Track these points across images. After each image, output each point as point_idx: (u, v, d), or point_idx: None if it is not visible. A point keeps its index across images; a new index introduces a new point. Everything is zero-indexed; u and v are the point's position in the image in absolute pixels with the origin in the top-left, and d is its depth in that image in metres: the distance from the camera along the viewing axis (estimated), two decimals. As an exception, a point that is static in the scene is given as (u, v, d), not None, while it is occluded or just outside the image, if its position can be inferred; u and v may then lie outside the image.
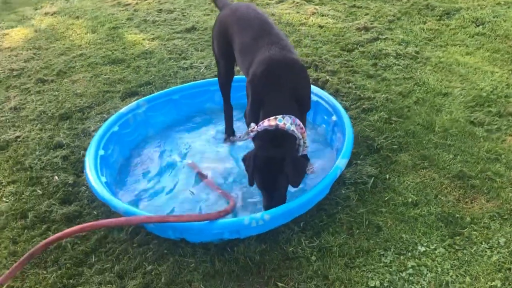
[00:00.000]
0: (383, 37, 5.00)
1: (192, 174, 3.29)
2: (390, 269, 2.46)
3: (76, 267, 2.67)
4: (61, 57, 5.32)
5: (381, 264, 2.49)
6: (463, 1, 5.69)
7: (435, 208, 2.79)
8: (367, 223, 2.74)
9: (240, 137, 2.77)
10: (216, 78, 3.63)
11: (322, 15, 5.71)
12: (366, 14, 5.62)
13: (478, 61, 4.38)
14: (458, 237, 2.59)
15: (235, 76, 3.46)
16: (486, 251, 2.50)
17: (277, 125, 2.62)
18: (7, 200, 3.23)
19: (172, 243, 2.73)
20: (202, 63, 4.81)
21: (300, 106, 2.79)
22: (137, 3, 6.79)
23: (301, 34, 5.24)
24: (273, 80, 2.73)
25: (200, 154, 3.50)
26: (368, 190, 2.98)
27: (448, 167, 3.10)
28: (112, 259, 2.69)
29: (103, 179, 2.97)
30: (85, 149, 3.30)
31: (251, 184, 2.72)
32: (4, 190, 3.35)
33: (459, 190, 2.91)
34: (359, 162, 3.20)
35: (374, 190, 2.98)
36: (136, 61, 5.03)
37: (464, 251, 2.52)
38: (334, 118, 3.33)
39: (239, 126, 3.65)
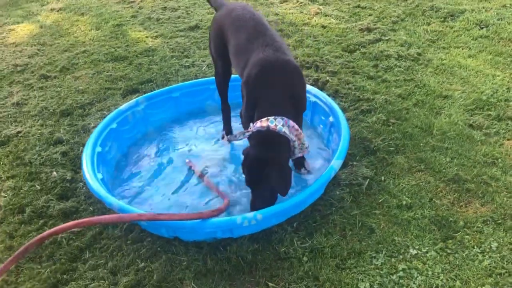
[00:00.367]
0: (386, 38, 4.99)
1: (190, 173, 3.31)
2: (381, 272, 2.46)
3: (70, 263, 2.70)
4: (65, 54, 5.35)
5: (372, 266, 2.50)
6: (468, 3, 5.66)
7: (429, 211, 2.79)
8: (360, 224, 2.74)
9: (236, 136, 2.78)
10: (212, 78, 3.64)
11: (326, 15, 5.70)
12: (370, 15, 5.61)
13: (480, 64, 4.36)
14: (450, 241, 2.59)
15: (233, 75, 3.47)
16: (477, 256, 2.50)
17: (268, 127, 2.63)
18: (6, 195, 3.27)
19: (165, 241, 2.75)
20: (204, 61, 4.83)
21: (295, 107, 2.80)
22: (142, 1, 6.82)
23: (304, 34, 5.24)
24: (267, 81, 2.74)
25: (199, 153, 3.52)
26: (363, 191, 2.98)
27: (444, 170, 3.09)
28: (106, 255, 2.72)
29: (99, 175, 2.99)
30: (84, 146, 3.32)
31: (246, 183, 2.74)
32: (3, 184, 3.39)
33: (454, 194, 2.90)
34: (355, 163, 3.21)
35: (368, 191, 2.98)
36: (138, 59, 5.05)
37: (456, 255, 2.51)
38: (331, 119, 3.33)
39: (239, 125, 3.66)
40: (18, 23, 6.57)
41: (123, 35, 5.72)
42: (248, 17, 3.08)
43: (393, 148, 3.32)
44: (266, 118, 2.65)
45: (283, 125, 2.64)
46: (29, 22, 6.56)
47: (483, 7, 5.49)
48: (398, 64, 4.46)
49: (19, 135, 3.93)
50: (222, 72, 3.38)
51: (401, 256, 2.53)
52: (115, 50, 5.32)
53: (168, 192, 3.17)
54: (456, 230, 2.65)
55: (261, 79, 2.73)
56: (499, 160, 3.14)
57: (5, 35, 6.14)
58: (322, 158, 3.28)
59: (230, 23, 3.12)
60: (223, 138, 3.55)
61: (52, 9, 6.96)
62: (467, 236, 2.60)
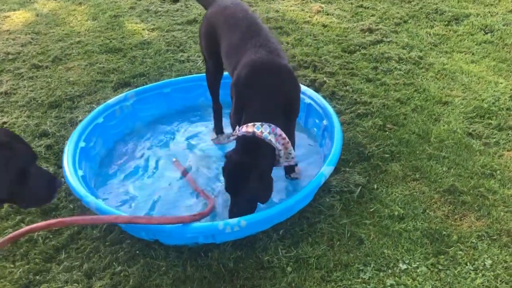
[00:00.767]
0: (387, 40, 4.85)
1: (177, 173, 3.19)
2: (368, 286, 2.35)
3: (44, 263, 2.59)
4: (59, 43, 5.22)
5: (359, 280, 2.38)
6: (473, 7, 5.51)
7: (421, 223, 2.67)
8: (349, 235, 2.63)
9: (220, 139, 2.66)
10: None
11: (327, 14, 5.56)
12: (372, 15, 5.46)
13: (482, 70, 4.22)
14: (442, 256, 2.47)
15: (226, 73, 3.35)
16: (470, 273, 2.38)
17: (254, 133, 2.50)
18: (-15, 188, 3.15)
19: (145, 244, 2.64)
20: (199, 56, 4.69)
21: (286, 114, 2.67)
22: (141, -8, 6.68)
23: (303, 33, 5.10)
24: (257, 84, 2.61)
25: (187, 152, 3.40)
26: (354, 199, 2.86)
27: (440, 180, 2.97)
28: (82, 256, 2.61)
29: (80, 172, 2.88)
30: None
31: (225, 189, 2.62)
32: (-16, 177, 3.27)
33: (449, 206, 2.78)
34: (347, 169, 3.08)
35: (360, 200, 2.86)
36: (133, 51, 4.92)
37: (448, 271, 2.39)
38: (325, 122, 3.20)
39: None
40: (14, 10, 6.42)
41: (119, 26, 5.58)
42: (242, 16, 2.95)
43: (388, 155, 3.20)
44: (252, 123, 2.52)
45: (269, 133, 2.51)
46: (25, 10, 6.42)
47: (489, 12, 5.34)
48: (398, 67, 4.33)
49: (5, 125, 3.81)
50: (214, 71, 3.25)
51: (390, 271, 2.41)
52: (110, 41, 5.19)
53: (153, 191, 3.05)
54: (449, 244, 2.53)
55: (251, 81, 2.60)
56: (498, 172, 3.01)
57: (0, 22, 6.01)
58: (313, 163, 3.16)
59: (223, 21, 2.99)
60: (211, 140, 3.42)
61: (49, -3, 6.82)
62: (460, 252, 2.48)
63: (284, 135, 2.56)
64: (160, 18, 5.72)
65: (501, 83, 3.98)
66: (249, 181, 2.47)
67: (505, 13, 5.28)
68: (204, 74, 3.51)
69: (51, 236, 2.75)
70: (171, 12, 5.88)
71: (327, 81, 4.10)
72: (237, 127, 2.61)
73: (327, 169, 2.71)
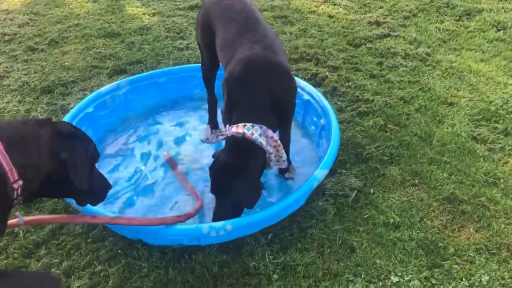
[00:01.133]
0: (395, 34, 4.68)
1: (167, 167, 3.08)
2: (357, 299, 2.24)
3: (23, 258, 2.50)
4: (57, 26, 5.09)
5: (348, 292, 2.27)
6: (487, 1, 5.31)
7: (417, 233, 2.55)
8: (340, 242, 2.51)
9: (209, 139, 2.53)
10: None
11: (334, 4, 5.38)
12: (381, 7, 5.28)
13: (492, 69, 4.05)
14: (437, 270, 2.34)
15: None
16: (465, 289, 2.26)
17: (244, 134, 2.37)
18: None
19: (128, 243, 2.53)
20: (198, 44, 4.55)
21: (280, 114, 2.53)
22: (145, -26, 6.51)
23: (308, 23, 4.94)
24: (250, 82, 2.46)
25: (179, 145, 3.29)
26: (349, 204, 2.73)
27: (440, 187, 2.84)
28: (63, 253, 2.51)
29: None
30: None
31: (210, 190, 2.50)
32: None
33: (448, 215, 2.65)
34: (344, 171, 2.95)
35: (355, 205, 2.73)
36: (131, 37, 4.79)
37: (441, 286, 2.27)
38: (322, 121, 3.06)
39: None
40: (14, -11, 6.29)
41: (119, 10, 5.43)
42: (239, 8, 2.79)
43: (387, 158, 3.06)
44: (243, 124, 2.38)
45: (260, 135, 2.37)
46: (26, -11, 6.28)
47: (503, 8, 5.15)
48: (404, 63, 4.16)
49: (-5, 110, 3.71)
50: (209, 63, 3.11)
51: (380, 283, 2.30)
52: (109, 25, 5.05)
53: (141, 186, 2.95)
54: (445, 257, 2.41)
55: (243, 79, 2.46)
56: (501, 180, 2.87)
57: (-1, 1, 5.88)
58: (309, 163, 3.03)
59: (219, 13, 2.83)
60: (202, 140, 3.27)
61: (51, -23, 6.67)
62: (456, 266, 2.36)
63: (276, 137, 2.43)
64: (161, 3, 5.58)
65: (510, 84, 3.81)
66: (236, 184, 2.35)
67: (520, 9, 5.08)
68: (200, 64, 3.38)
69: (32, 230, 2.65)
70: (174, -4, 5.72)
71: (329, 75, 3.95)
72: (227, 125, 2.48)
73: (320, 173, 2.58)
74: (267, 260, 2.40)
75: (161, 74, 3.67)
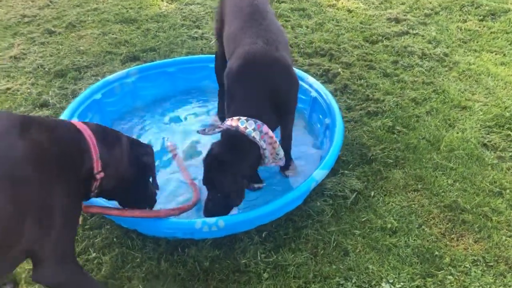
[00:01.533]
0: (414, 32, 4.57)
1: (171, 158, 3.09)
2: (345, 303, 2.22)
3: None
4: (76, 9, 5.13)
5: (337, 295, 2.25)
6: (514, 1, 5.14)
7: (414, 239, 2.50)
8: (334, 244, 2.48)
9: (206, 131, 2.51)
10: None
11: (355, -2, 5.28)
12: (403, 4, 5.16)
13: (511, 74, 3.93)
14: (430, 279, 2.30)
15: None
16: (457, 302, 2.22)
17: (237, 127, 2.35)
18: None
19: (124, 232, 2.56)
20: (213, 35, 4.53)
21: (281, 112, 2.50)
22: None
23: (326, 17, 4.86)
24: (248, 77, 2.44)
25: (185, 136, 3.28)
26: (347, 206, 2.70)
27: (442, 193, 2.78)
28: (60, 238, 2.54)
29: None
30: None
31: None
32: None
33: (447, 223, 2.60)
34: (346, 172, 2.92)
35: (353, 207, 2.70)
36: (147, 23, 4.79)
37: (433, 297, 2.24)
38: (327, 120, 3.02)
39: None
40: (38, -30, 6.35)
41: (139, -5, 5.45)
42: (248, 2, 2.76)
43: (392, 160, 3.01)
44: (238, 117, 2.37)
45: (254, 129, 2.35)
46: (49, -29, 6.34)
47: (530, 9, 4.97)
48: (420, 63, 4.07)
49: (8, 92, 3.77)
50: (221, 55, 3.08)
51: (371, 289, 2.27)
52: (127, 11, 5.07)
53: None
54: (439, 267, 2.36)
55: (241, 73, 2.44)
56: (508, 190, 2.80)
57: (22, -18, 5.95)
58: (312, 161, 2.99)
59: (230, 5, 2.81)
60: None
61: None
62: (450, 277, 2.31)
63: (271, 133, 2.40)
64: (181, -10, 5.55)
65: (529, 90, 3.70)
66: (218, 178, 2.33)
67: (547, 11, 4.90)
68: (212, 55, 3.37)
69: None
70: (194, -16, 5.69)
71: (341, 72, 3.89)
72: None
73: (319, 174, 2.55)
74: (259, 258, 2.40)
75: (171, 64, 3.66)
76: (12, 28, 4.77)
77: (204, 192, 2.72)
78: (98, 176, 1.99)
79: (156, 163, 2.96)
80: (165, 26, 4.72)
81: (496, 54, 4.23)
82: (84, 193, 2.03)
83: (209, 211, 2.39)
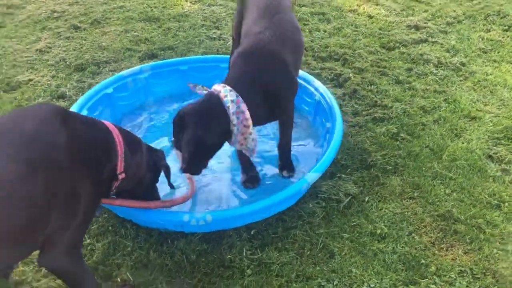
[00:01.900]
0: (433, 40, 4.52)
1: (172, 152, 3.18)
2: (324, 304, 2.24)
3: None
4: (102, 6, 5.32)
5: (317, 296, 2.28)
6: (542, 13, 5.00)
7: (402, 247, 2.49)
8: (321, 246, 2.50)
9: (196, 88, 2.56)
10: (228, 56, 3.43)
11: (377, 4, 5.26)
12: (425, 11, 5.10)
13: (529, 86, 3.84)
14: (412, 287, 2.29)
15: None
16: (436, 311, 2.20)
17: (219, 92, 2.36)
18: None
19: (119, 221, 2.66)
20: (231, 35, 4.61)
21: (270, 106, 2.54)
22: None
23: (345, 22, 4.86)
24: (245, 64, 2.49)
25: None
26: (340, 209, 2.71)
27: (438, 202, 2.75)
28: (59, 224, 2.67)
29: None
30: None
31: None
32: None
33: (439, 233, 2.58)
34: (343, 176, 2.93)
35: (346, 211, 2.71)
36: (169, 23, 4.92)
37: (412, 304, 2.23)
38: (328, 125, 3.04)
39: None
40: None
41: (164, -5, 5.60)
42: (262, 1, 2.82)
43: (391, 167, 3.00)
44: (224, 84, 2.39)
45: (232, 101, 2.32)
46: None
47: (558, 21, 4.83)
48: (434, 71, 4.03)
49: (30, 83, 3.96)
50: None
51: (351, 292, 2.28)
52: (151, 10, 5.22)
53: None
54: (424, 275, 2.35)
55: (240, 59, 2.51)
56: (506, 204, 2.75)
57: (56, -21, 6.20)
58: (312, 163, 3.00)
59: (250, 1, 2.87)
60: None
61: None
62: (433, 286, 2.30)
63: (248, 116, 2.35)
64: (205, -9, 5.67)
65: (544, 104, 3.60)
66: (184, 139, 2.32)
67: None
68: (224, 55, 3.44)
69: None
70: (219, -15, 5.80)
71: (352, 77, 3.90)
72: None
73: (311, 176, 2.58)
74: (244, 254, 2.44)
75: (184, 62, 3.76)
76: (41, 23, 4.99)
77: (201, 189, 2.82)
78: (120, 177, 2.11)
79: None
80: (186, 26, 4.83)
81: (516, 65, 4.14)
82: (104, 191, 2.14)
83: (185, 171, 2.45)
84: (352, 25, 4.80)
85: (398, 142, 3.22)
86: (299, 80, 3.32)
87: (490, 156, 3.11)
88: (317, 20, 4.92)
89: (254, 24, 2.70)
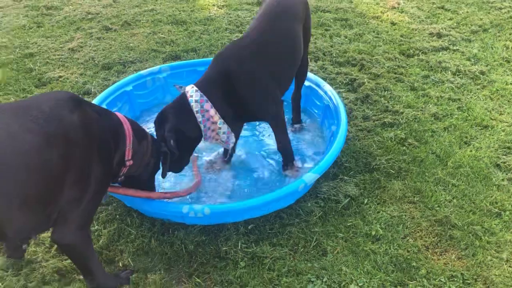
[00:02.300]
0: (454, 48, 4.50)
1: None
2: (311, 299, 2.31)
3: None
4: (134, 9, 5.56)
5: (305, 291, 2.35)
6: None
7: (396, 249, 2.53)
8: (315, 244, 2.57)
9: (178, 87, 2.76)
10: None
11: (401, 11, 5.26)
12: (450, 19, 5.07)
13: (548, 97, 3.77)
14: (400, 288, 2.33)
15: None
16: (421, 313, 2.23)
17: (187, 92, 2.57)
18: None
19: (127, 210, 2.82)
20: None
21: (244, 108, 2.67)
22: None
23: (367, 28, 4.90)
24: (219, 64, 2.66)
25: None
26: (337, 210, 2.77)
27: (437, 208, 2.77)
28: (71, 210, 2.85)
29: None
30: (94, 102, 3.47)
31: None
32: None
33: (434, 237, 2.59)
34: (345, 178, 2.98)
35: (343, 211, 2.77)
36: (195, 26, 5.10)
37: (398, 304, 2.27)
38: (333, 128, 3.11)
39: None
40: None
41: (193, -1, 5.80)
42: (270, 3, 2.93)
43: (394, 171, 3.04)
44: (192, 85, 2.59)
45: (196, 101, 2.53)
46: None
47: None
48: (451, 79, 4.01)
49: (59, 79, 4.21)
50: None
51: (338, 289, 2.34)
52: (179, 13, 5.42)
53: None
54: (413, 277, 2.38)
55: (217, 57, 2.68)
56: (507, 212, 2.73)
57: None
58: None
59: (261, 8, 3.00)
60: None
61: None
62: (420, 288, 2.33)
63: (213, 113, 2.54)
64: (233, -4, 5.83)
65: (562, 115, 3.53)
66: (166, 130, 2.54)
67: None
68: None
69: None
70: (247, -10, 5.94)
71: (366, 82, 3.94)
72: None
73: (309, 177, 2.65)
74: (239, 247, 2.55)
75: (202, 63, 3.89)
76: (76, 24, 5.27)
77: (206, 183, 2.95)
78: (127, 163, 2.31)
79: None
80: (210, 29, 4.99)
81: (538, 75, 4.07)
82: (113, 175, 2.32)
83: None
84: (373, 32, 4.83)
85: (404, 147, 3.25)
86: (310, 83, 3.43)
87: (498, 165, 3.09)
88: (339, 26, 4.97)
89: (250, 28, 2.84)
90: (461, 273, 2.40)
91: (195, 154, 3.24)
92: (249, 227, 2.67)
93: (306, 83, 3.47)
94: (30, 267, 2.47)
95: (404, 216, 2.73)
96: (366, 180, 2.98)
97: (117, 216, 2.79)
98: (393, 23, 5.01)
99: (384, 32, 4.83)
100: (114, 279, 2.36)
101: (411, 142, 3.29)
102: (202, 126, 2.58)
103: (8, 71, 4.32)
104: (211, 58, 4.02)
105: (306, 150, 3.25)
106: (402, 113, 3.57)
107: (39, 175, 1.83)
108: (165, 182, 3.03)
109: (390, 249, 2.53)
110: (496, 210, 2.75)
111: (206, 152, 3.27)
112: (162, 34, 4.96)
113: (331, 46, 4.54)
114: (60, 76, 4.25)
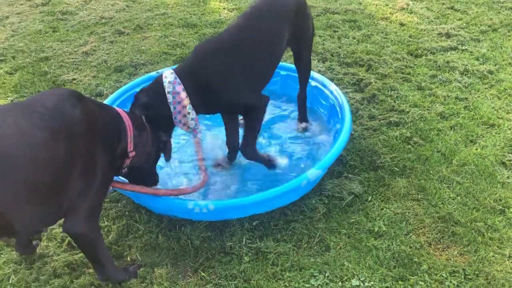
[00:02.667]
0: (463, 48, 4.50)
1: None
2: (313, 293, 2.36)
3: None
4: (146, 13, 5.67)
5: (308, 286, 2.39)
6: None
7: (398, 245, 2.56)
8: (318, 239, 2.62)
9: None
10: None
11: (411, 12, 5.28)
12: (459, 19, 5.07)
13: (557, 95, 3.76)
14: (401, 283, 2.36)
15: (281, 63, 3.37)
16: (421, 307, 2.26)
17: (163, 75, 2.66)
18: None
19: (135, 207, 2.90)
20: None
21: (217, 97, 2.73)
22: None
23: (376, 29, 4.93)
24: (191, 57, 2.78)
25: (217, 132, 3.54)
26: (341, 207, 2.82)
27: (440, 205, 2.79)
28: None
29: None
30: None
31: None
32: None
33: (437, 234, 2.62)
34: (350, 175, 3.02)
35: (347, 208, 2.81)
36: (205, 29, 5.18)
37: (398, 299, 2.30)
38: (338, 126, 3.15)
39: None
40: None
41: (204, 3, 5.88)
42: (258, 1, 3.00)
43: (398, 169, 3.07)
44: (170, 70, 2.69)
45: (169, 82, 2.60)
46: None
47: None
48: (459, 79, 4.02)
49: (73, 81, 4.33)
50: None
51: (340, 283, 2.38)
52: (190, 17, 5.51)
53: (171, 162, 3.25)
54: (414, 272, 2.41)
55: (196, 48, 2.81)
56: (511, 209, 2.74)
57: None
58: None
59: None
60: None
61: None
62: (421, 283, 2.35)
63: (183, 96, 2.60)
64: (244, -1, 5.91)
65: None
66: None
67: None
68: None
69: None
70: (257, -6, 6.00)
71: (373, 82, 3.97)
72: None
73: (312, 173, 2.70)
74: (244, 242, 2.60)
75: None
76: (90, 28, 5.40)
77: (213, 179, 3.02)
78: (130, 155, 2.41)
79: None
80: (220, 32, 5.06)
81: (548, 74, 4.05)
82: (117, 167, 2.42)
83: None
84: (382, 33, 4.86)
85: (409, 146, 3.27)
86: (316, 83, 3.48)
87: (503, 163, 3.10)
88: (348, 27, 5.01)
89: (232, 24, 2.94)
90: (463, 269, 2.42)
91: (200, 146, 3.32)
92: (254, 223, 2.72)
93: (313, 83, 3.52)
94: (42, 261, 2.57)
95: (407, 213, 2.76)
96: (371, 178, 3.02)
97: (126, 212, 2.87)
98: (402, 24, 5.03)
99: (392, 32, 4.85)
100: (123, 273, 2.44)
101: (416, 140, 3.31)
102: (172, 107, 2.64)
103: (25, 74, 4.46)
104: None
105: (311, 149, 3.30)
106: (408, 112, 3.60)
107: (46, 167, 1.92)
108: (172, 180, 3.11)
109: (392, 245, 2.56)
110: (500, 207, 2.76)
111: (212, 153, 3.32)
112: (173, 37, 5.05)
113: (339, 47, 4.58)
114: (74, 79, 4.37)
